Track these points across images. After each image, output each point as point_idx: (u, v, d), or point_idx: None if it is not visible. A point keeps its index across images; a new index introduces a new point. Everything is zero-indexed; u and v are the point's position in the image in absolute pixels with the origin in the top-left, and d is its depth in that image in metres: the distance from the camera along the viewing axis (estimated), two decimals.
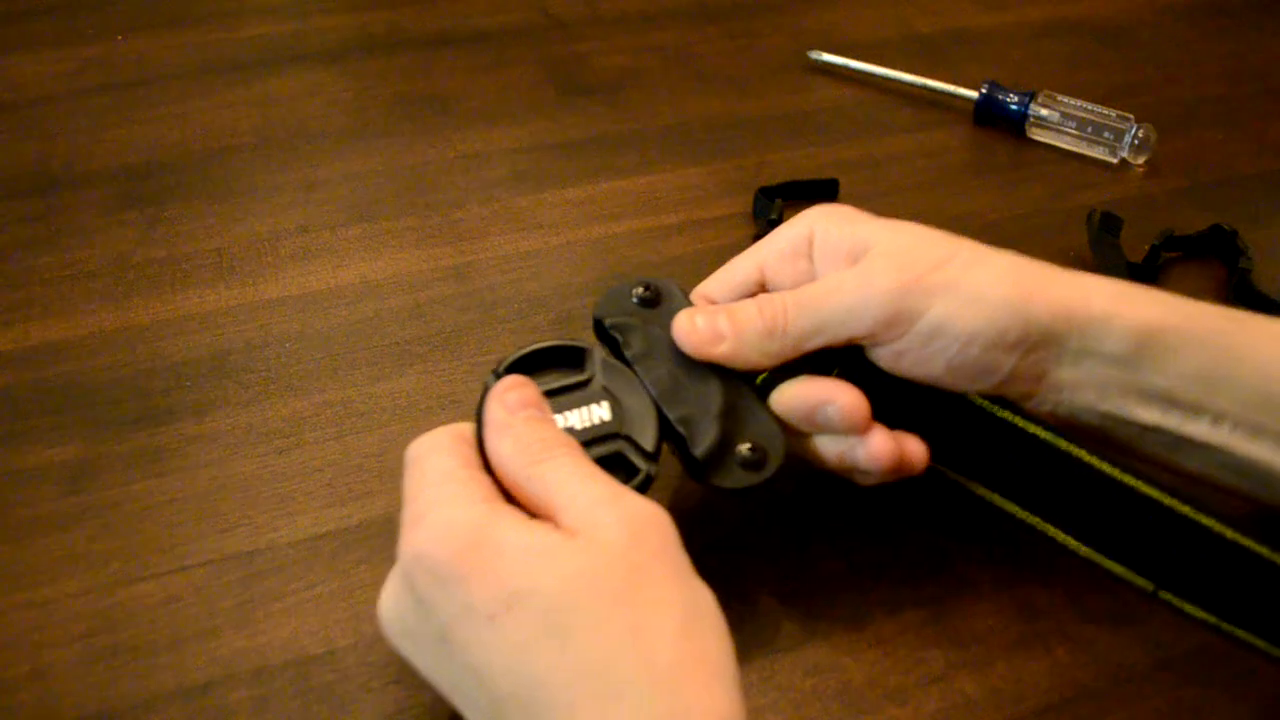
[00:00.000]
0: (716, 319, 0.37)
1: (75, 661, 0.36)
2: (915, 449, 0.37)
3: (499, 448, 0.32)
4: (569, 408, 0.35)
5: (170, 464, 0.43)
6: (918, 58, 0.71)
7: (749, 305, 0.37)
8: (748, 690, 0.29)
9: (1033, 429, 0.37)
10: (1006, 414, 0.37)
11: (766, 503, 0.42)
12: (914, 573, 0.40)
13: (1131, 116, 0.63)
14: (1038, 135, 0.65)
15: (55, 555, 0.39)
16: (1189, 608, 0.35)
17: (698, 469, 0.35)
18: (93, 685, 0.35)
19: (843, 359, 0.37)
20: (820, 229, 0.39)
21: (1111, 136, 0.62)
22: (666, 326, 0.38)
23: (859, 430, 0.36)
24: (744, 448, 0.35)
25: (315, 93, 0.66)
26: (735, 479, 0.35)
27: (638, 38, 0.74)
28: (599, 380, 0.36)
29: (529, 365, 0.36)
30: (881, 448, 0.36)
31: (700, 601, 0.29)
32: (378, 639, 0.37)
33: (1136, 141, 0.62)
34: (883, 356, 0.36)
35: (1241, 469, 0.34)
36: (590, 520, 0.29)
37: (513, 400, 0.33)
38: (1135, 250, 0.55)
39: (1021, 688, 0.36)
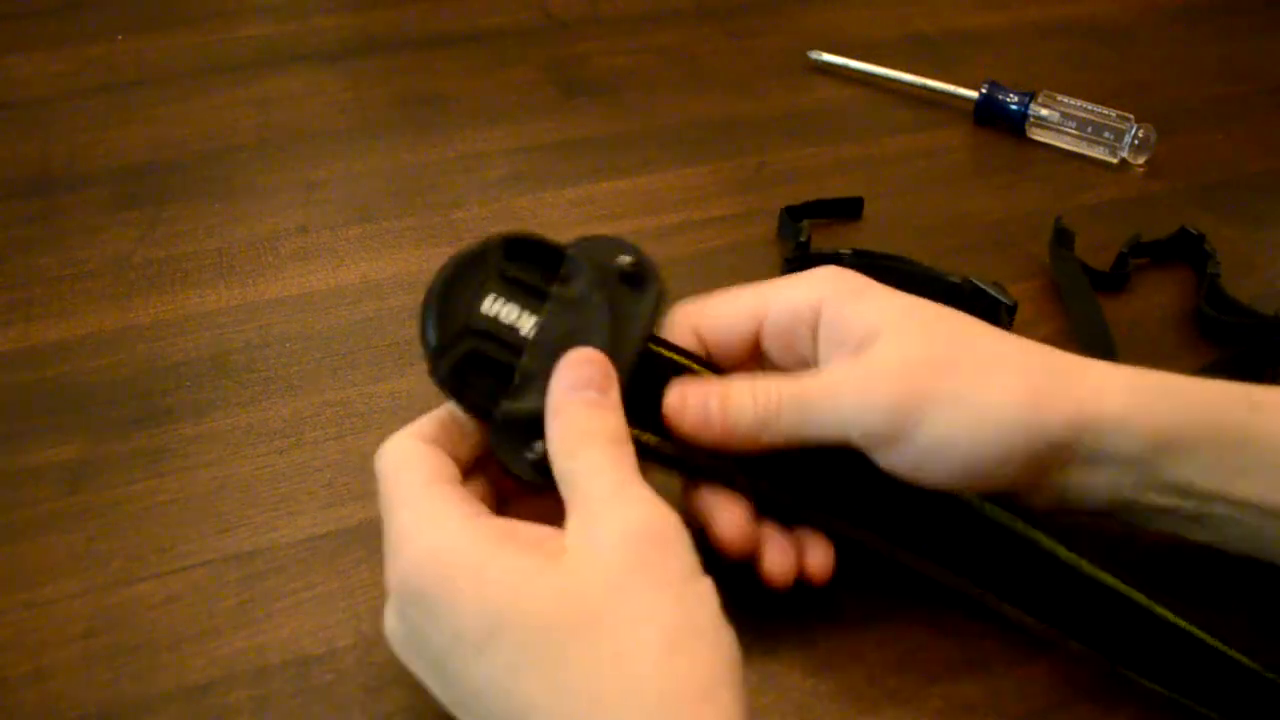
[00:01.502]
0: (708, 403, 0.34)
1: (75, 661, 0.36)
2: (817, 563, 0.35)
3: (548, 428, 0.32)
4: (508, 300, 0.34)
5: (170, 464, 0.43)
6: (918, 58, 0.71)
7: (743, 392, 0.34)
8: (749, 691, 0.28)
9: (989, 510, 0.35)
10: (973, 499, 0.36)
11: None
12: (914, 572, 0.40)
13: (1131, 116, 0.63)
14: (1038, 135, 0.65)
15: (55, 555, 0.39)
16: (1146, 682, 0.35)
17: (494, 431, 0.33)
18: (93, 685, 0.35)
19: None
20: (830, 304, 0.35)
21: (1111, 136, 0.62)
22: (626, 316, 0.35)
23: (732, 555, 0.34)
24: (541, 444, 0.33)
25: (315, 93, 0.66)
26: (518, 464, 0.33)
27: (638, 38, 0.74)
28: (555, 299, 0.35)
29: (523, 248, 0.35)
30: (772, 569, 0.35)
31: (691, 611, 0.28)
32: (378, 639, 0.37)
33: (1136, 141, 0.62)
34: (878, 457, 0.34)
35: (1256, 541, 0.34)
36: (579, 536, 0.29)
37: (574, 379, 0.32)
38: (1108, 255, 0.55)
39: (1023, 688, 0.36)
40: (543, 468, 0.32)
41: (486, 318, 0.34)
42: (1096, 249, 0.56)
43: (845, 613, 0.38)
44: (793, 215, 0.55)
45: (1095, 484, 0.34)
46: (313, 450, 0.44)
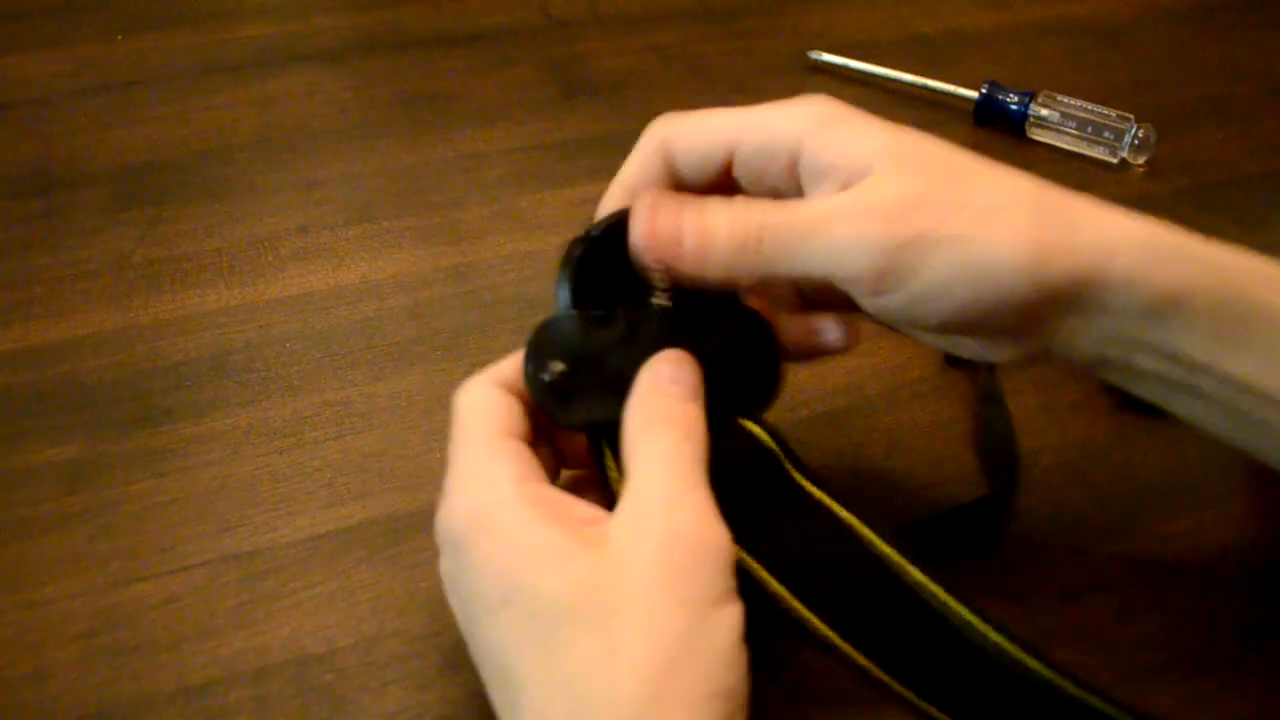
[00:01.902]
0: (682, 215, 0.32)
1: (75, 661, 0.36)
2: (834, 337, 0.35)
3: (628, 412, 0.31)
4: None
5: (170, 464, 0.43)
6: (918, 58, 0.71)
7: (720, 211, 0.32)
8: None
9: (882, 549, 0.32)
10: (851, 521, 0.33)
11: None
12: None
13: (1131, 116, 0.63)
14: (1038, 135, 0.65)
15: (55, 555, 0.39)
16: None
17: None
18: (93, 685, 0.35)
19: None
20: (815, 134, 0.32)
21: (1111, 136, 0.62)
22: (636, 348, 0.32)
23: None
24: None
25: (315, 93, 0.66)
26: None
27: (638, 38, 0.74)
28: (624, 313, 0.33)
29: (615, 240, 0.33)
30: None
31: (707, 634, 0.27)
32: (378, 639, 0.37)
33: (1136, 141, 0.62)
34: (863, 301, 0.32)
35: (1236, 426, 0.32)
36: (625, 528, 0.28)
37: (664, 375, 0.31)
38: None
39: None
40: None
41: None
42: None
43: None
44: None
45: (1086, 338, 0.32)
46: (313, 450, 0.44)
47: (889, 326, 0.33)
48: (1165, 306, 0.30)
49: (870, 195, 0.31)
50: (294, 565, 0.39)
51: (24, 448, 0.43)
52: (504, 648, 0.27)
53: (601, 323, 0.33)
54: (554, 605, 0.27)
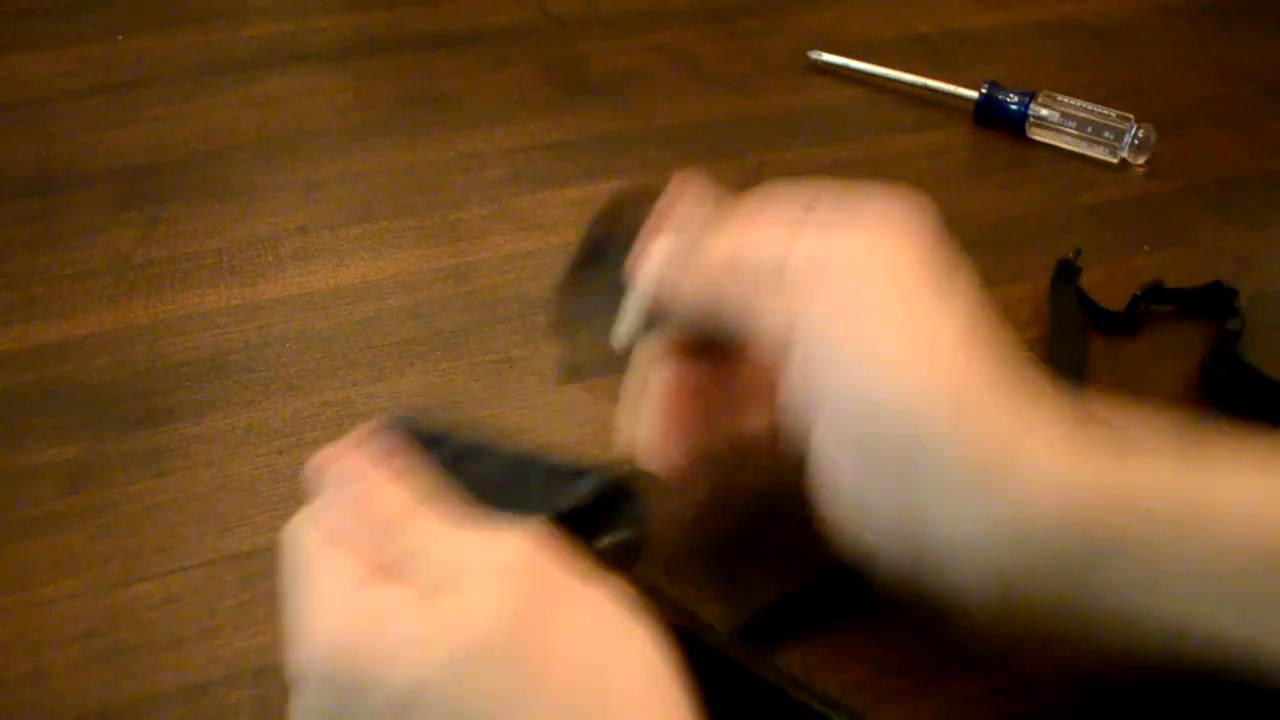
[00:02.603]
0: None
1: (75, 661, 0.36)
2: None
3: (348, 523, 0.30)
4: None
5: (170, 464, 0.43)
6: (918, 58, 0.71)
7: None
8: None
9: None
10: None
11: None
12: None
13: (1131, 116, 0.63)
14: (1038, 135, 0.65)
15: (55, 555, 0.39)
16: None
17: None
18: (93, 685, 0.35)
19: None
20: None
21: (1111, 136, 0.62)
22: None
23: None
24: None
25: (315, 93, 0.66)
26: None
27: (638, 38, 0.74)
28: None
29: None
30: None
31: (602, 610, 0.27)
32: None
33: (1136, 141, 0.62)
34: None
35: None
36: (455, 584, 0.27)
37: (327, 484, 0.31)
38: (1108, 255, 0.55)
39: (1022, 688, 0.36)
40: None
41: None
42: (1097, 249, 0.56)
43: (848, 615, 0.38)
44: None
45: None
46: (313, 450, 0.43)
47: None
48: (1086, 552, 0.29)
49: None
50: None
51: (24, 448, 0.43)
52: None
53: (434, 441, 0.32)
54: (455, 682, 0.26)
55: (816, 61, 0.71)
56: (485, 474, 0.31)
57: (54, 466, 0.42)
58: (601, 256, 0.35)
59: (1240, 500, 0.29)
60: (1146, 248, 0.56)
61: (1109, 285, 0.52)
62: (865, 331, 0.30)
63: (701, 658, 0.28)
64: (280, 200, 0.57)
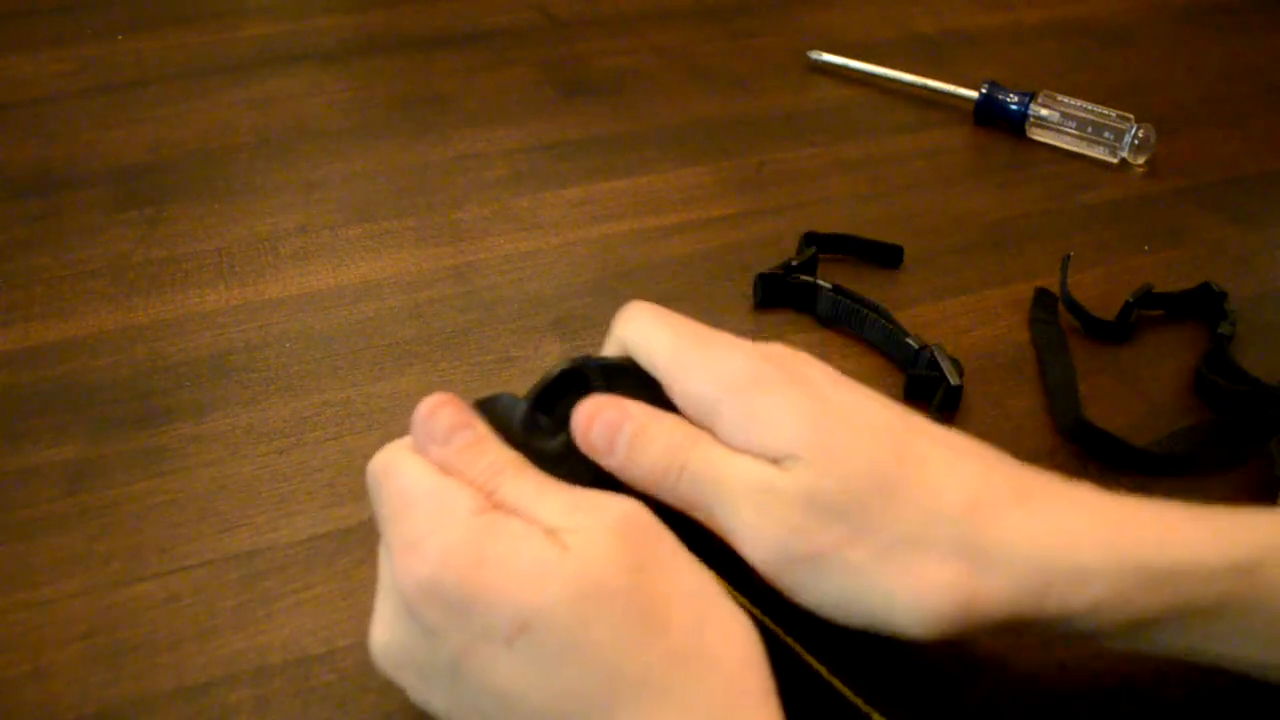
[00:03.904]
0: (625, 418, 0.31)
1: (75, 661, 0.36)
2: None
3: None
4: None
5: (170, 464, 0.43)
6: (918, 58, 0.71)
7: (659, 429, 0.31)
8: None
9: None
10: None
11: None
12: None
13: (1131, 116, 0.63)
14: (1038, 135, 0.65)
15: (55, 555, 0.39)
16: None
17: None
18: (93, 685, 0.35)
19: None
20: (730, 407, 0.30)
21: (1111, 136, 0.62)
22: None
23: None
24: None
25: (315, 93, 0.66)
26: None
27: (638, 38, 0.74)
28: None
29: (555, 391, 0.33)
30: None
31: (706, 586, 0.28)
32: None
33: (1136, 141, 0.62)
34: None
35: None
36: (576, 529, 0.28)
37: (442, 426, 0.31)
38: (1108, 255, 0.55)
39: (1022, 688, 0.36)
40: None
41: None
42: (1096, 248, 0.56)
43: None
44: (820, 245, 0.53)
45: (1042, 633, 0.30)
46: (313, 450, 0.44)
47: None
48: (1141, 628, 0.29)
49: (784, 491, 0.29)
50: (294, 565, 0.39)
51: (24, 448, 0.43)
52: (537, 671, 0.26)
53: (545, 431, 0.32)
54: (575, 611, 0.26)
55: (816, 61, 0.71)
56: (587, 477, 0.31)
57: (54, 466, 0.42)
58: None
59: None
60: (1146, 248, 0.56)
61: (1108, 285, 0.52)
62: None
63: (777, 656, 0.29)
64: (280, 200, 0.57)
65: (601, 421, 0.31)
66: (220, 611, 0.38)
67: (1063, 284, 0.51)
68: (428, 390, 0.46)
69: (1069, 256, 0.52)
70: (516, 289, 0.52)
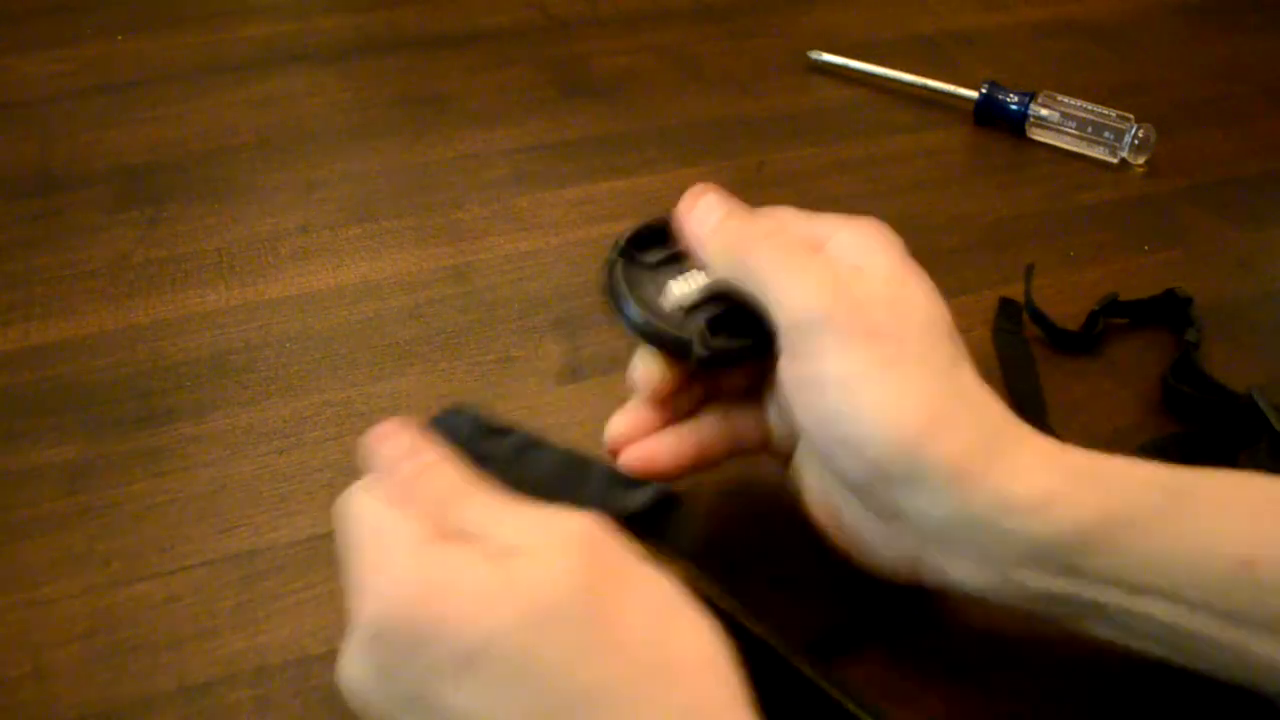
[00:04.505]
0: (719, 203, 0.36)
1: (75, 661, 0.36)
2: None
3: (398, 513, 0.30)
4: (677, 274, 0.36)
5: (170, 464, 0.43)
6: (918, 58, 0.71)
7: (757, 219, 0.36)
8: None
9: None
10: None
11: (768, 505, 0.42)
12: None
13: (1131, 116, 0.63)
14: (1038, 135, 0.65)
15: (55, 555, 0.39)
16: None
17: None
18: (93, 685, 0.35)
19: None
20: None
21: (1111, 136, 0.62)
22: None
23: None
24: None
25: (315, 93, 0.66)
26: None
27: (638, 38, 0.74)
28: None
29: (640, 242, 0.37)
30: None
31: (668, 596, 0.28)
32: None
33: (1136, 141, 0.62)
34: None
35: (1167, 642, 0.31)
36: (524, 551, 0.28)
37: (387, 456, 0.31)
38: (1107, 254, 0.55)
39: (1021, 689, 0.36)
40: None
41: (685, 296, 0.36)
42: (1096, 248, 0.56)
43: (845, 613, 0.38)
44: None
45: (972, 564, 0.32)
46: (313, 450, 0.44)
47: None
48: (1082, 538, 0.30)
49: (848, 283, 0.34)
50: (294, 565, 0.39)
51: (24, 448, 0.43)
52: (494, 694, 0.26)
53: (496, 434, 0.33)
54: (528, 633, 0.26)
55: (816, 61, 0.71)
56: (544, 469, 0.33)
57: (54, 466, 0.42)
58: (644, 242, 0.37)
59: (1220, 509, 0.31)
60: (1146, 248, 0.56)
61: (1108, 285, 0.52)
62: (869, 354, 0.32)
63: (750, 652, 0.28)
64: (280, 200, 0.57)
65: (699, 204, 0.36)
66: (220, 611, 0.38)
67: (1027, 294, 0.50)
68: (428, 390, 0.47)
69: (1032, 266, 0.51)
70: (516, 289, 0.52)
